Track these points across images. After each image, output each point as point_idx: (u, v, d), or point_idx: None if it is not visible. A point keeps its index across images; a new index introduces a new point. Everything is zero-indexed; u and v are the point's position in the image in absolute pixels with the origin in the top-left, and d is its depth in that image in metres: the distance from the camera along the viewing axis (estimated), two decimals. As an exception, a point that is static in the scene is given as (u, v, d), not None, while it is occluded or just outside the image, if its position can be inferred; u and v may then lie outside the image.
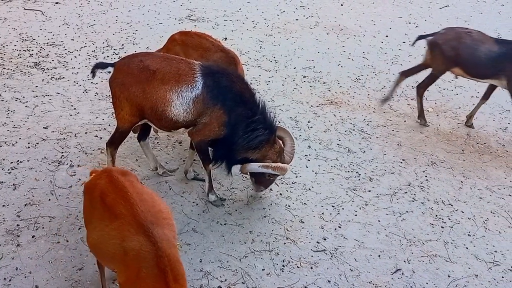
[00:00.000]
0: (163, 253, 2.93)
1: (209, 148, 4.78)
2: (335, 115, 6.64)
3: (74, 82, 6.88)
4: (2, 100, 6.31)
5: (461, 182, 5.56)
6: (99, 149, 5.55)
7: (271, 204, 5.01)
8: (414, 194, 5.30)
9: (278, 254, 4.42)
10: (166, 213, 3.35)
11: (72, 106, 6.32)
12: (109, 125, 5.96)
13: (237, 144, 4.58)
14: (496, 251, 4.66)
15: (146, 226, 3.03)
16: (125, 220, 3.09)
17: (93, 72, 4.73)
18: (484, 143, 6.33)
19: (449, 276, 4.34)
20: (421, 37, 6.43)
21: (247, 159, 4.70)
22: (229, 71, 4.74)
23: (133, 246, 2.99)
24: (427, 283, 4.25)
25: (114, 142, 4.80)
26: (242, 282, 4.09)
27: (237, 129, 4.52)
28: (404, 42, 9.16)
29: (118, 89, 4.50)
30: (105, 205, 3.19)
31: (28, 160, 5.28)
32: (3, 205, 4.66)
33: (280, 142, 4.81)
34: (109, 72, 4.62)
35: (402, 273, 4.34)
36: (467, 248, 4.66)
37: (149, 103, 4.43)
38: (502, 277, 4.38)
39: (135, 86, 4.42)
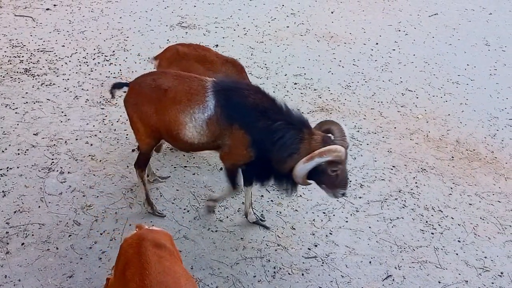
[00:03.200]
0: None
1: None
2: (326, 122, 6.65)
3: (65, 88, 6.85)
4: (-8, 107, 6.27)
5: (451, 188, 5.60)
6: (89, 155, 5.52)
7: (262, 211, 5.01)
8: (405, 201, 5.34)
9: (269, 261, 4.42)
10: None
11: (62, 112, 6.29)
12: (100, 131, 5.95)
13: (273, 160, 4.13)
14: (485, 257, 4.70)
15: None
16: None
17: (111, 93, 4.58)
18: (473, 150, 6.39)
19: (439, 282, 4.37)
20: None
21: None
22: (240, 84, 4.35)
23: None
24: (417, 289, 4.28)
25: (140, 164, 4.67)
26: (234, 289, 4.09)
27: (266, 144, 4.08)
28: (394, 50, 9.25)
29: (131, 109, 4.37)
30: (124, 276, 2.89)
31: (17, 167, 5.24)
32: (-8, 212, 4.62)
33: (320, 132, 4.17)
34: (124, 92, 4.47)
35: (393, 279, 4.35)
36: (457, 254, 4.70)
37: (162, 124, 4.23)
38: (492, 283, 4.42)
39: (146, 106, 4.24)
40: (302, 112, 4.22)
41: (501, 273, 4.53)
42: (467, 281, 4.41)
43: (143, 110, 4.26)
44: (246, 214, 4.84)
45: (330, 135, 4.12)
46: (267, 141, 4.06)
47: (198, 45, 5.69)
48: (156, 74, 4.44)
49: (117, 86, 4.57)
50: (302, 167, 3.95)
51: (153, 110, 4.22)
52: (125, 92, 4.44)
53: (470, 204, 5.38)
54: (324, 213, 5.04)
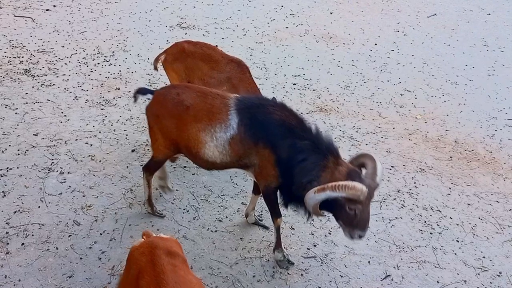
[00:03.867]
0: None
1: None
2: (324, 122, 6.68)
3: (65, 89, 6.86)
4: (-8, 107, 6.29)
5: (449, 188, 5.62)
6: (89, 156, 5.54)
7: (261, 211, 5.02)
8: (403, 201, 5.35)
9: (268, 260, 4.43)
10: None
11: (62, 113, 6.30)
12: (99, 132, 5.96)
13: (295, 184, 3.83)
14: (484, 257, 4.71)
15: None
16: None
17: (135, 97, 4.56)
18: (472, 150, 6.40)
19: (438, 282, 4.38)
20: None
21: None
22: (265, 101, 4.07)
23: None
24: (416, 289, 4.29)
25: (149, 169, 4.59)
26: (233, 289, 4.11)
27: (290, 164, 3.81)
28: (393, 50, 9.27)
29: (152, 119, 4.29)
30: (138, 285, 2.79)
31: (17, 167, 5.25)
32: (-8, 213, 4.64)
33: (348, 164, 3.81)
34: (148, 99, 4.42)
35: (392, 279, 4.37)
36: (455, 254, 4.71)
37: (182, 141, 4.13)
38: (491, 282, 4.43)
39: (168, 120, 4.14)
40: (331, 138, 3.94)
41: (500, 273, 4.55)
42: (465, 281, 4.43)
43: (164, 123, 4.18)
44: (246, 215, 4.82)
45: (363, 169, 3.80)
46: (292, 161, 3.80)
47: (204, 44, 5.73)
48: (181, 88, 4.29)
49: (141, 91, 4.50)
50: (312, 197, 3.60)
51: (174, 125, 4.12)
52: (148, 99, 4.40)
53: (468, 204, 5.40)
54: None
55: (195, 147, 4.06)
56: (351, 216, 3.63)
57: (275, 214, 4.23)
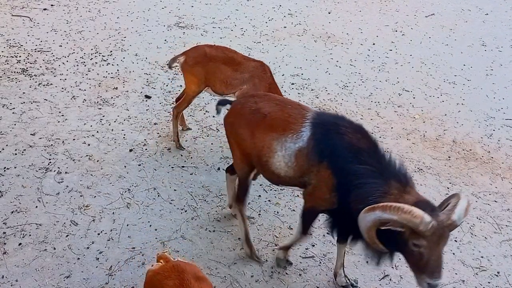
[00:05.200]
0: None
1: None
2: (323, 122, 6.67)
3: (62, 88, 6.84)
4: (-11, 107, 6.27)
5: (448, 188, 5.62)
6: (86, 155, 5.52)
7: (260, 211, 5.02)
8: (402, 200, 5.34)
9: (267, 260, 4.42)
10: None
11: (60, 112, 6.28)
12: (97, 131, 5.95)
13: (351, 211, 3.47)
14: (482, 257, 4.72)
15: None
16: None
17: (217, 109, 4.49)
18: (470, 150, 6.41)
19: (436, 281, 4.38)
20: None
21: None
22: (341, 120, 3.77)
23: None
24: (414, 289, 4.29)
25: (239, 197, 4.36)
26: (231, 289, 4.10)
27: (348, 190, 3.49)
28: (391, 50, 9.27)
29: (228, 128, 4.20)
30: None
31: (15, 167, 5.23)
32: (-11, 213, 4.62)
33: (419, 194, 3.42)
34: (227, 109, 4.35)
35: (390, 279, 4.37)
36: (453, 254, 4.71)
37: (255, 150, 3.96)
38: (489, 282, 4.43)
39: (243, 128, 4.01)
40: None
41: (498, 272, 4.55)
42: (463, 280, 4.43)
43: (239, 132, 4.07)
44: (335, 275, 4.30)
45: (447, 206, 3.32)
46: (349, 186, 3.47)
47: (225, 47, 5.75)
48: (259, 96, 4.19)
49: (222, 103, 4.44)
50: (362, 217, 3.23)
51: (248, 134, 3.99)
52: (227, 109, 4.33)
53: (466, 204, 5.39)
54: (321, 213, 5.05)
55: (266, 156, 3.88)
56: (416, 256, 3.16)
57: (304, 231, 4.04)
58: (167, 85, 7.22)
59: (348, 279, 4.26)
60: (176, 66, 5.85)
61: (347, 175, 3.46)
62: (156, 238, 4.51)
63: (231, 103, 4.31)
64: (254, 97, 4.18)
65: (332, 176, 3.56)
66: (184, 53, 5.64)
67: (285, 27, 9.99)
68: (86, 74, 7.28)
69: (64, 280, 4.01)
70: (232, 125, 4.15)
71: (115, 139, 5.86)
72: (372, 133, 6.50)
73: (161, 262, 2.98)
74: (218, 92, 5.55)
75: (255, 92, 5.18)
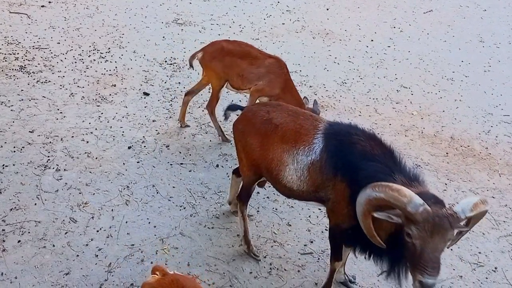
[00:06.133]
0: None
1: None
2: (321, 119, 6.68)
3: (60, 85, 6.84)
4: (-13, 104, 6.26)
5: (446, 184, 5.64)
6: (85, 153, 5.52)
7: (258, 208, 5.03)
8: (400, 197, 5.35)
9: (265, 257, 4.44)
10: None
11: (58, 109, 6.28)
12: (96, 128, 5.94)
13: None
14: (480, 253, 4.73)
15: None
16: None
17: (225, 115, 4.49)
18: (468, 146, 6.42)
19: (434, 277, 4.40)
20: None
21: None
22: (352, 129, 3.66)
23: None
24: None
25: (241, 197, 4.36)
26: (230, 286, 4.11)
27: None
28: (389, 46, 9.28)
29: (237, 135, 4.12)
30: None
31: (13, 165, 5.23)
32: (-12, 210, 4.62)
33: (424, 189, 3.26)
34: (237, 114, 4.33)
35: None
36: (451, 249, 4.73)
37: (264, 161, 3.88)
38: (486, 278, 4.46)
39: (253, 137, 3.94)
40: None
41: (495, 268, 4.57)
42: (461, 276, 4.45)
43: (248, 140, 3.99)
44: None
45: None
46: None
47: (242, 42, 5.85)
48: (272, 106, 4.09)
49: (232, 108, 4.40)
50: (357, 201, 3.16)
51: (258, 144, 3.91)
52: (237, 115, 4.30)
53: (464, 200, 5.41)
54: (319, 209, 5.06)
55: (276, 169, 3.79)
56: (410, 249, 2.97)
57: (335, 257, 3.86)
58: (165, 82, 7.22)
59: (347, 275, 4.28)
60: (196, 62, 5.84)
61: (361, 183, 3.22)
62: (155, 235, 4.52)
63: (242, 108, 4.28)
64: (266, 106, 4.12)
65: (347, 187, 3.42)
66: (202, 49, 5.76)
67: (283, 23, 9.98)
68: (84, 71, 7.27)
69: (64, 277, 4.02)
70: (241, 132, 4.07)
71: (113, 136, 5.86)
72: (371, 129, 6.52)
73: (157, 274, 2.85)
74: (235, 87, 5.66)
75: (270, 88, 5.40)
